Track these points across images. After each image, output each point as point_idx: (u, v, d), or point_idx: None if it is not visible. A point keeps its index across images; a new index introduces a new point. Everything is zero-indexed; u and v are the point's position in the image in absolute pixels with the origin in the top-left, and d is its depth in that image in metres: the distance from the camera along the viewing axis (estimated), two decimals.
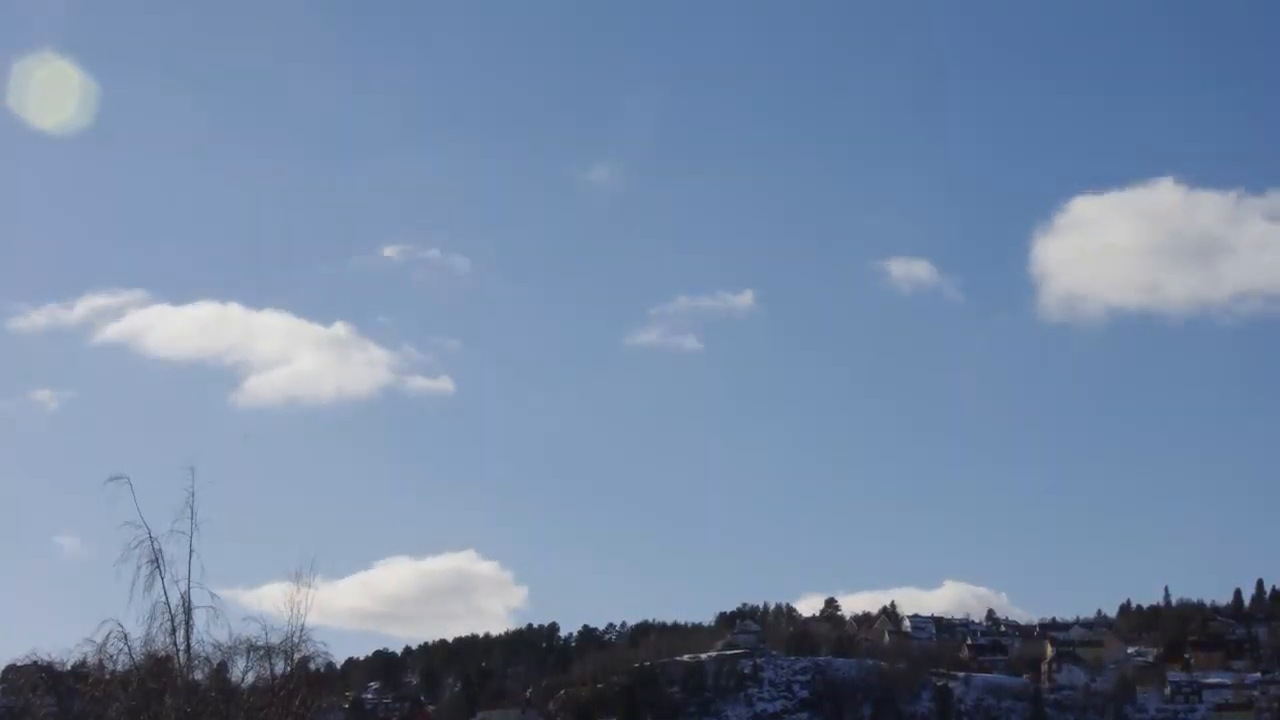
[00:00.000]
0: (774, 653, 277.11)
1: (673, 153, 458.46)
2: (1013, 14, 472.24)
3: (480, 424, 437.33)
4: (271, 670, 42.45)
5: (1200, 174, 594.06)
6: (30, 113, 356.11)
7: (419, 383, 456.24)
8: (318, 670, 45.34)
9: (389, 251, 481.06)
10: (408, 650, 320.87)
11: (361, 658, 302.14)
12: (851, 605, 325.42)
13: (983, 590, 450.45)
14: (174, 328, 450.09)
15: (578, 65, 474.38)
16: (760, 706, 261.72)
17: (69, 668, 48.51)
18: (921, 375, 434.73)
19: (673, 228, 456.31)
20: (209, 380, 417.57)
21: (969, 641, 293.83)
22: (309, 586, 42.93)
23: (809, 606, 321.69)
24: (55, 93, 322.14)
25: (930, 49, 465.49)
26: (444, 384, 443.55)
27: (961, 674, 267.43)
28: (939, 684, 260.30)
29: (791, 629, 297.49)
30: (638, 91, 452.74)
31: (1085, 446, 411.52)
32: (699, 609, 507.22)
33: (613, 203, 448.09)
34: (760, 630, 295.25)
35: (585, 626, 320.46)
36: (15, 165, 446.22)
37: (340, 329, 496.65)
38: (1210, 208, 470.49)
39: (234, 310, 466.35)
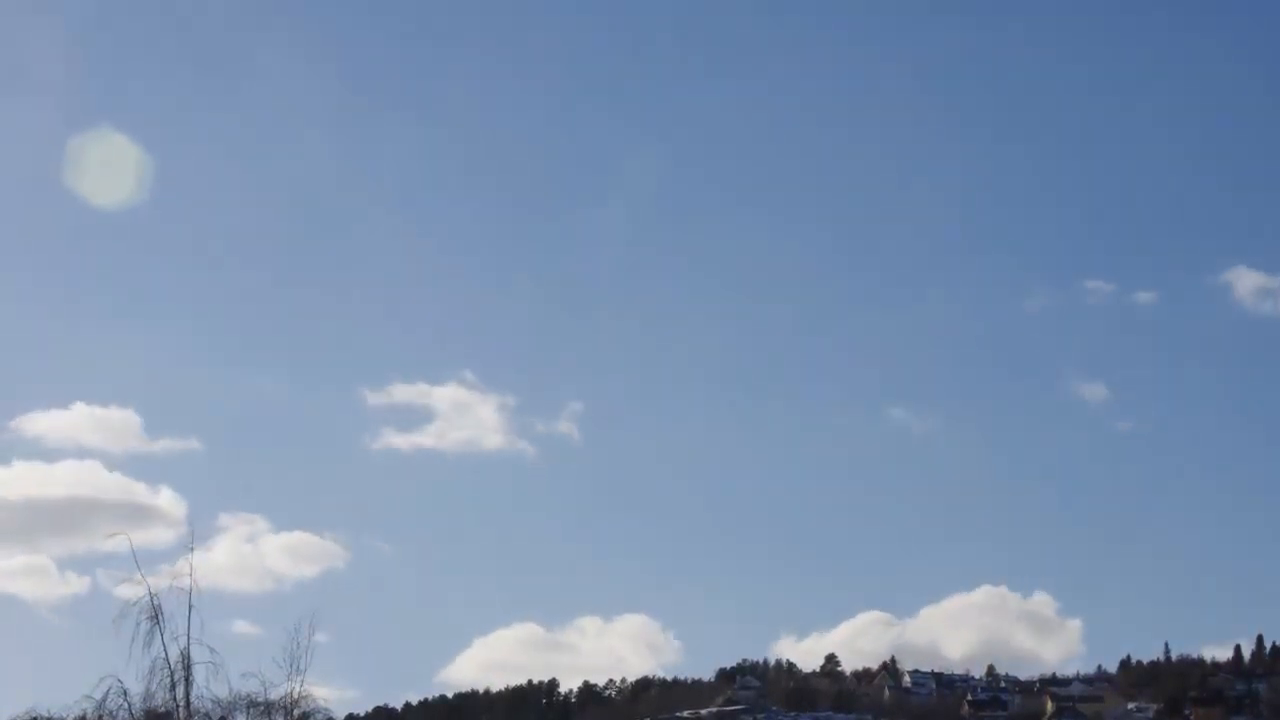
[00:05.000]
0: (774, 708, 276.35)
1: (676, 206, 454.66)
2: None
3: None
4: None
5: None
6: (89, 191, 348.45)
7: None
8: None
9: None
10: (408, 706, 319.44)
11: (362, 714, 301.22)
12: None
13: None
14: None
15: (578, 123, 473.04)
16: None
17: None
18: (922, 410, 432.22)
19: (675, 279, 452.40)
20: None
21: (969, 697, 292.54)
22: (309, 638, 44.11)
23: (809, 662, 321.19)
24: (114, 169, 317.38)
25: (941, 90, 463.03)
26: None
27: None
28: None
29: (792, 684, 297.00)
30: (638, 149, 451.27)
31: (1082, 499, 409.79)
32: (699, 664, 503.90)
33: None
34: (760, 685, 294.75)
35: (585, 683, 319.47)
36: (76, 245, 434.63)
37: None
38: None
39: None
